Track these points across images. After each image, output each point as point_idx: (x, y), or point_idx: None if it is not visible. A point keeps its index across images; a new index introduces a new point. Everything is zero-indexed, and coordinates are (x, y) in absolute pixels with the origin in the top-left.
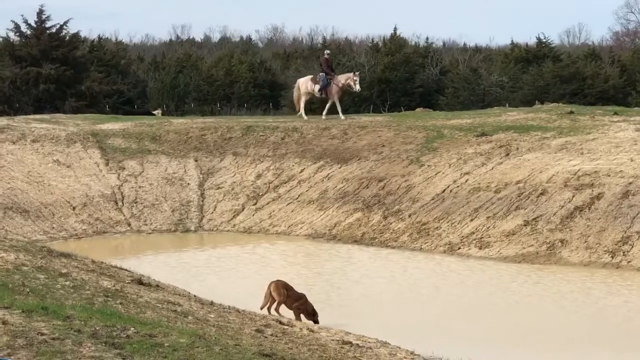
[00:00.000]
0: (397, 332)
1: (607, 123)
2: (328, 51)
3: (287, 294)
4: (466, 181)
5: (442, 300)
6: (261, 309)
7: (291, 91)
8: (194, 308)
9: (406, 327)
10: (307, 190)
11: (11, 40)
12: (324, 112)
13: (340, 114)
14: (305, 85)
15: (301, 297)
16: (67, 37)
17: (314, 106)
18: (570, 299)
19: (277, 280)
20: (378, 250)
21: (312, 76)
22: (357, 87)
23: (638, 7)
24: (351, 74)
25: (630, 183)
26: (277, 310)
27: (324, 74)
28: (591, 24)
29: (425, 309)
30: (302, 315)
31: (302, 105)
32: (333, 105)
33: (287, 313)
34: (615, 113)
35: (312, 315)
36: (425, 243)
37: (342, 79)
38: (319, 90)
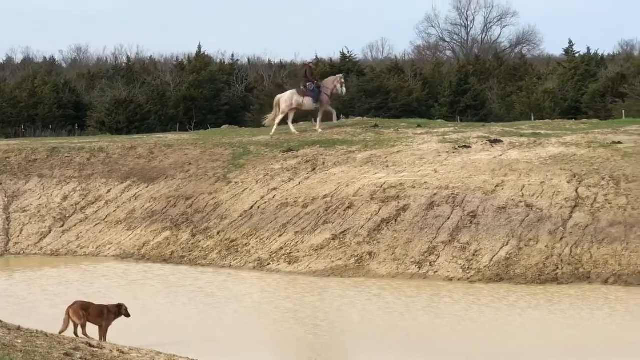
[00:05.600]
0: (206, 348)
1: (411, 135)
2: (311, 60)
3: (87, 314)
4: (274, 197)
5: (246, 315)
6: (59, 333)
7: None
8: (0, 334)
9: (215, 344)
10: (114, 211)
11: None
12: (317, 124)
13: (318, 125)
14: (290, 100)
15: (103, 312)
16: None
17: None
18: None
19: (74, 304)
20: (184, 269)
21: (295, 90)
22: (344, 90)
23: (438, 21)
24: (335, 77)
25: (435, 194)
26: (84, 333)
27: (312, 84)
28: (393, 39)
29: (229, 323)
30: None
31: (289, 121)
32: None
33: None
34: (419, 125)
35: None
36: (234, 260)
37: (329, 84)
38: (314, 102)
